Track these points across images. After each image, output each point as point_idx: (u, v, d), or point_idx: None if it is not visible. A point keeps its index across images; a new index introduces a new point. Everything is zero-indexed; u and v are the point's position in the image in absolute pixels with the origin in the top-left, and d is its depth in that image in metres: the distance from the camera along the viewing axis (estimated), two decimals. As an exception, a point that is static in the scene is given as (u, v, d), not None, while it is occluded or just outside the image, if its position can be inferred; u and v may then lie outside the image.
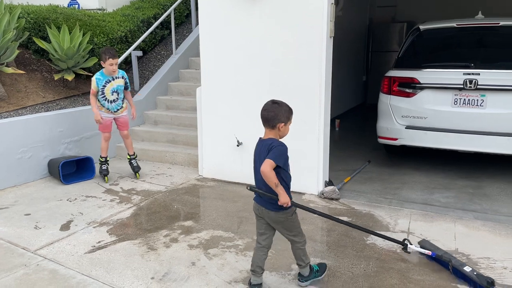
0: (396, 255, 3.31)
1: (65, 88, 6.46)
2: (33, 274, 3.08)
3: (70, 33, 6.39)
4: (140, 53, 7.11)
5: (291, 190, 4.67)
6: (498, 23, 4.78)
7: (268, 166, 2.52)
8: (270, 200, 2.67)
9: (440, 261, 3.10)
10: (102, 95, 4.96)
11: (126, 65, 7.37)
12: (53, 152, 5.44)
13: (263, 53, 4.65)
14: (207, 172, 5.31)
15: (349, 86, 9.45)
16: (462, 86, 4.59)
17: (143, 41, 7.42)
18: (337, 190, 4.56)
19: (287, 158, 2.67)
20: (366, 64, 10.45)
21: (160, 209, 4.31)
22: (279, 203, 2.62)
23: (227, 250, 3.44)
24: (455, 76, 4.63)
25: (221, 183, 5.09)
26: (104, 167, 5.18)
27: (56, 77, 6.21)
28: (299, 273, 2.94)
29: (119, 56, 6.83)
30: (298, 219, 2.80)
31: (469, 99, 4.63)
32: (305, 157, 4.61)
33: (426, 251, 3.17)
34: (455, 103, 4.71)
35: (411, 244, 3.25)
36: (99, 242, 3.59)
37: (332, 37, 4.43)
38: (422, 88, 4.88)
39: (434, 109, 4.82)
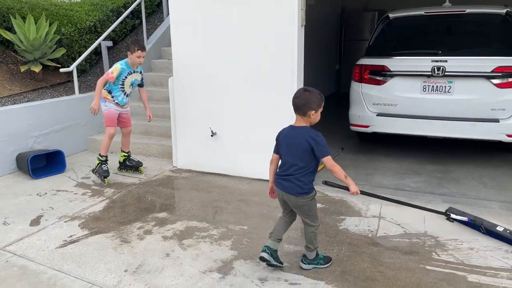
0: (368, 239, 3.39)
1: (32, 80, 6.27)
2: (2, 271, 3.01)
3: (36, 23, 6.19)
4: (110, 43, 6.95)
5: (267, 178, 4.69)
6: (465, 11, 4.89)
7: (331, 161, 2.67)
8: (291, 185, 2.76)
9: (474, 224, 3.40)
10: (121, 86, 4.67)
11: (96, 56, 7.20)
12: (22, 146, 5.28)
13: (235, 41, 4.62)
14: (181, 163, 5.27)
15: (322, 75, 9.51)
16: (430, 73, 4.69)
17: (113, 31, 7.26)
18: (311, 177, 4.61)
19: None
20: (339, 53, 10.53)
21: (134, 202, 4.26)
22: (350, 193, 2.80)
23: (202, 240, 3.44)
24: (424, 63, 4.72)
25: (196, 174, 5.06)
26: (104, 167, 4.74)
27: (23, 69, 6.01)
28: (303, 255, 2.99)
29: (87, 47, 6.68)
30: (316, 204, 2.89)
31: (437, 86, 4.74)
32: (279, 146, 4.63)
33: (464, 218, 3.43)
34: (424, 90, 4.81)
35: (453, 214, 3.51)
36: (70, 236, 3.53)
37: (304, 26, 4.43)
38: (392, 76, 4.96)
39: (403, 96, 4.91)
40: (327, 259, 3.02)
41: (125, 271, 2.99)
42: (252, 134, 4.72)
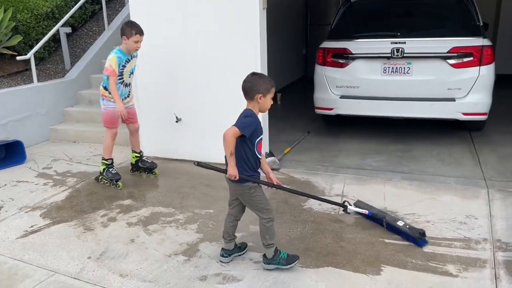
0: (330, 217, 3.48)
1: (-13, 69, 6.02)
2: (-41, 264, 2.93)
3: (-12, 9, 5.92)
4: (69, 29, 6.74)
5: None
6: (422, -7, 5.02)
7: (230, 131, 2.50)
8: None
9: (376, 218, 3.30)
10: (120, 78, 4.12)
11: (54, 43, 6.97)
12: (-22, 138, 5.10)
13: (197, 26, 4.57)
14: (147, 151, 5.18)
15: (289, 60, 9.55)
16: (390, 55, 4.80)
17: (72, 16, 7.02)
18: (277, 160, 4.66)
19: (254, 130, 2.58)
20: (305, 38, 10.59)
21: (97, 190, 4.20)
22: (226, 175, 2.64)
23: (167, 225, 3.44)
24: (383, 45, 4.83)
25: (162, 161, 5.02)
26: (113, 170, 4.28)
27: (-24, 57, 5.76)
28: (263, 254, 2.80)
29: (45, 34, 6.45)
30: (261, 195, 2.72)
31: (397, 67, 4.86)
32: (244, 130, 4.65)
33: (363, 211, 3.36)
34: (384, 71, 4.92)
35: (351, 205, 3.41)
36: (31, 226, 3.45)
37: (265, 9, 4.43)
38: (354, 58, 5.05)
39: (365, 78, 5.01)
40: (291, 259, 2.76)
41: (89, 258, 2.96)
42: (217, 118, 4.71)
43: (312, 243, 3.08)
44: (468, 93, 4.67)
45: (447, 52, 4.62)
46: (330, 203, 3.40)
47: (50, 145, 5.79)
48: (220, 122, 4.67)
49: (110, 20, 7.49)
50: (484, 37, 4.73)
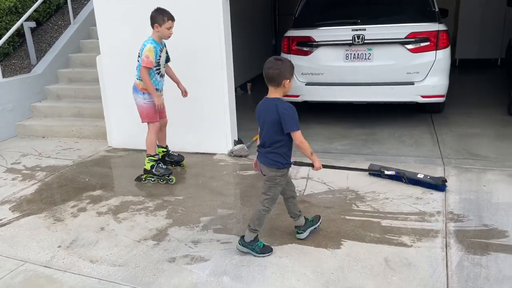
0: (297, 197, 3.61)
1: (-52, 66, 5.89)
2: None
3: None
4: (33, 24, 6.64)
5: (202, 151, 4.78)
6: (379, -19, 5.19)
7: (299, 137, 2.60)
8: (267, 159, 2.71)
9: (398, 176, 3.73)
10: (157, 68, 3.92)
11: (19, 38, 6.85)
12: None
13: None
14: (116, 143, 5.24)
15: (259, 50, 9.63)
16: (351, 41, 4.96)
17: (36, 11, 6.91)
18: (245, 148, 4.78)
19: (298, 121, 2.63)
20: (274, 28, 10.69)
21: (67, 183, 4.22)
22: (313, 169, 2.78)
23: (137, 212, 3.52)
24: (345, 32, 4.98)
25: (132, 152, 5.07)
26: (163, 165, 4.14)
27: None
28: (242, 235, 2.83)
29: (8, 29, 6.35)
30: (280, 187, 2.76)
31: (358, 54, 5.03)
32: (213, 119, 4.74)
33: (392, 172, 3.76)
34: (347, 58, 5.08)
35: (384, 171, 3.78)
36: (0, 220, 3.47)
37: (228, 0, 4.50)
38: (317, 46, 5.19)
39: (329, 65, 5.16)
40: (266, 249, 2.81)
41: (59, 247, 3.02)
42: (185, 109, 4.78)
43: (277, 223, 3.21)
44: (426, 76, 4.89)
45: (405, 38, 4.82)
46: (368, 171, 3.86)
47: (18, 141, 5.74)
48: (187, 112, 4.78)
49: (75, 14, 7.41)
50: (440, 22, 4.95)
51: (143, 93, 3.97)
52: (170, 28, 3.86)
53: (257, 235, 2.83)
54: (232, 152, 4.74)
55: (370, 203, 3.44)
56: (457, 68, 8.84)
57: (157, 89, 3.98)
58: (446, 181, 3.58)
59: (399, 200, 3.46)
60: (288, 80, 2.60)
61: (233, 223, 3.27)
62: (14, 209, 3.66)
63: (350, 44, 4.99)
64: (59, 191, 4.03)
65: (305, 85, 5.32)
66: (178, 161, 4.45)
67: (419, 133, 5.11)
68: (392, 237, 2.93)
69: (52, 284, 2.61)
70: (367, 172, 3.94)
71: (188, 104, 4.74)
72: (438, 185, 3.56)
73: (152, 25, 3.87)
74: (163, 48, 3.99)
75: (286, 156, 2.70)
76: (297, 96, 5.42)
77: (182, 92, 4.25)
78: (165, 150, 4.43)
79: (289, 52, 5.38)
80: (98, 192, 3.95)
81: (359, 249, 2.82)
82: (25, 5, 6.93)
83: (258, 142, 2.84)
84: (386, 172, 3.77)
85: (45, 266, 2.79)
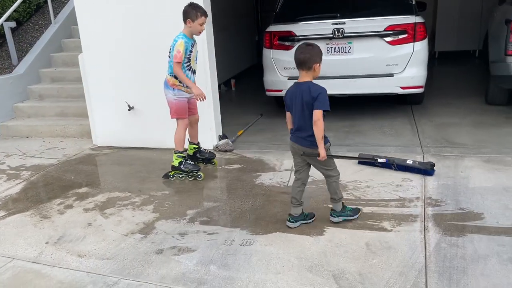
0: (280, 189, 3.70)
1: None
2: None
3: None
4: (13, 24, 6.59)
5: (187, 147, 4.75)
6: (358, -24, 5.29)
7: (319, 115, 2.72)
8: (306, 137, 2.87)
9: (388, 164, 3.85)
10: (188, 64, 3.87)
11: (-1, 38, 6.79)
12: None
13: (141, 15, 4.63)
14: (101, 141, 5.25)
15: (242, 47, 9.69)
16: (331, 35, 5.05)
17: (16, 11, 6.85)
18: (230, 142, 4.84)
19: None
20: (257, 25, 10.75)
21: (53, 181, 4.23)
22: (319, 159, 2.83)
23: (124, 208, 3.56)
24: (325, 26, 5.07)
25: (117, 150, 5.08)
26: (191, 162, 4.10)
27: None
28: (331, 209, 3.08)
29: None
30: (330, 158, 2.97)
31: (339, 47, 5.13)
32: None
33: (384, 160, 3.88)
34: (328, 51, 5.17)
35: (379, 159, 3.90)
36: (-14, 219, 3.48)
37: (210, -4, 4.56)
38: (299, 40, 5.24)
39: (310, 59, 5.24)
40: (356, 210, 3.09)
41: (46, 243, 3.05)
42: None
43: (262, 213, 3.29)
44: (405, 68, 5.01)
45: (384, 31, 4.93)
46: (363, 159, 3.98)
47: (1, 142, 5.70)
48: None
49: (56, 13, 7.36)
50: (417, 15, 5.07)
51: (173, 89, 3.93)
52: (202, 24, 3.82)
53: (343, 202, 3.06)
54: (217, 147, 4.80)
55: (352, 192, 3.54)
56: (437, 60, 9.03)
57: (187, 87, 3.92)
58: (434, 165, 3.73)
59: (380, 188, 3.57)
60: (318, 64, 2.80)
61: (219, 215, 3.34)
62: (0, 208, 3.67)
63: (330, 38, 5.08)
64: (45, 189, 4.04)
65: (288, 79, 5.39)
66: (209, 158, 4.41)
67: (399, 123, 5.24)
68: (373, 223, 3.03)
69: (41, 279, 2.64)
70: (357, 161, 4.06)
71: (172, 100, 4.79)
72: (427, 169, 3.71)
73: (185, 20, 3.82)
74: (194, 43, 3.94)
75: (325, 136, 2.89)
76: (280, 90, 5.49)
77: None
78: (196, 147, 4.37)
79: (271, 47, 5.45)
80: (84, 190, 3.97)
81: (341, 235, 2.91)
82: (5, 5, 6.87)
83: (290, 127, 3.02)
84: (379, 160, 3.89)
85: (33, 262, 2.82)
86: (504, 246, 2.64)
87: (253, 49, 10.70)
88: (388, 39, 4.97)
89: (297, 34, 5.23)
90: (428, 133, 4.83)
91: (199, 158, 4.38)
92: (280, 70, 5.43)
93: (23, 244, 3.04)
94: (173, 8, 4.49)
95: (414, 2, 5.21)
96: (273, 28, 5.45)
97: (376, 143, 4.64)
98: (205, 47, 4.55)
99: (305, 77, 2.82)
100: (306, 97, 2.77)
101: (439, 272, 2.45)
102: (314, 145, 2.86)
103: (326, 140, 2.92)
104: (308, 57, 2.76)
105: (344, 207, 3.07)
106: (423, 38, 5.03)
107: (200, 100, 3.86)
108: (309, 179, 3.81)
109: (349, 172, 3.93)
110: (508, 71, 4.88)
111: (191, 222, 3.24)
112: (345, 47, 5.11)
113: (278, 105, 6.40)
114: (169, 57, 3.89)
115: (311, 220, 3.12)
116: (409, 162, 3.84)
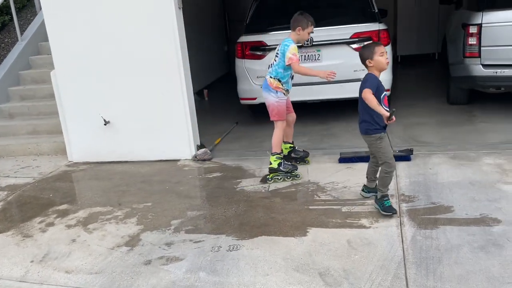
0: (261, 194, 3.81)
1: None
2: None
3: None
4: (-22, 42, 6.43)
5: (166, 158, 4.81)
6: (323, -14, 5.52)
7: (365, 93, 3.04)
8: (360, 125, 3.26)
9: (364, 158, 4.06)
10: (290, 69, 4.02)
11: (-37, 57, 6.62)
12: None
13: (114, 28, 4.66)
14: (77, 157, 5.21)
15: (212, 57, 9.78)
16: (300, 44, 5.22)
17: (-21, 29, 6.71)
18: (208, 151, 4.92)
19: (377, 88, 3.07)
20: (226, 34, 10.88)
21: (31, 200, 4.18)
22: (388, 122, 3.06)
23: (107, 222, 3.57)
24: (295, 36, 5.24)
25: (94, 165, 5.06)
26: (288, 162, 4.16)
27: None
28: (375, 188, 3.39)
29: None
30: (385, 146, 3.18)
31: (308, 55, 5.32)
32: (175, 126, 4.84)
33: (364, 155, 4.09)
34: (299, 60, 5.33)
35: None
36: (-35, 242, 3.41)
37: (181, 8, 4.64)
38: (270, 50, 5.41)
39: (282, 67, 5.40)
40: (389, 210, 3.16)
41: (31, 261, 3.03)
42: (146, 117, 4.86)
43: (246, 219, 3.38)
44: (372, 73, 5.23)
45: (350, 38, 5.16)
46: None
47: (-29, 163, 5.55)
48: (147, 120, 4.86)
49: (22, 31, 7.24)
50: (380, 22, 5.33)
51: (276, 91, 4.02)
52: (310, 32, 4.03)
53: (385, 195, 3.23)
54: (195, 157, 4.87)
55: (330, 193, 3.69)
56: (400, 64, 9.42)
57: (287, 90, 4.09)
58: (412, 150, 4.19)
59: (356, 188, 3.72)
60: (369, 59, 3.12)
61: (203, 223, 3.41)
62: (-22, 230, 3.60)
63: (300, 46, 5.24)
64: (24, 208, 3.99)
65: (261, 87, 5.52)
66: (304, 157, 4.43)
67: (369, 126, 5.46)
68: (352, 221, 3.18)
69: (30, 297, 2.64)
70: (335, 163, 4.32)
71: (149, 113, 4.84)
72: (408, 155, 4.13)
73: (295, 27, 3.99)
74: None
75: (374, 123, 3.16)
76: (254, 98, 5.63)
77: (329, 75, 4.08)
78: (291, 145, 4.41)
79: (243, 57, 5.59)
80: (64, 206, 3.95)
81: (323, 234, 3.04)
82: (-33, 23, 6.71)
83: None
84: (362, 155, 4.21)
85: (20, 281, 2.80)
86: (474, 235, 2.84)
87: (224, 59, 10.82)
88: (354, 46, 5.19)
89: (268, 44, 5.39)
90: (397, 133, 5.07)
91: (293, 157, 4.40)
92: (253, 79, 5.57)
93: (8, 263, 3.01)
94: (147, 23, 4.57)
95: (377, 10, 5.48)
96: (244, 38, 5.59)
97: (350, 145, 4.82)
98: (179, 56, 4.62)
99: (369, 71, 3.17)
100: (360, 87, 3.15)
101: (416, 263, 2.61)
102: (364, 132, 3.23)
103: (376, 129, 3.17)
104: (362, 52, 3.19)
105: (382, 198, 3.23)
106: (387, 44, 5.28)
107: (332, 78, 4.03)
108: (289, 183, 3.98)
109: (326, 174, 4.09)
110: (466, 72, 5.19)
111: (177, 231, 3.29)
112: (315, 54, 5.31)
113: (253, 113, 6.54)
114: (275, 60, 4.04)
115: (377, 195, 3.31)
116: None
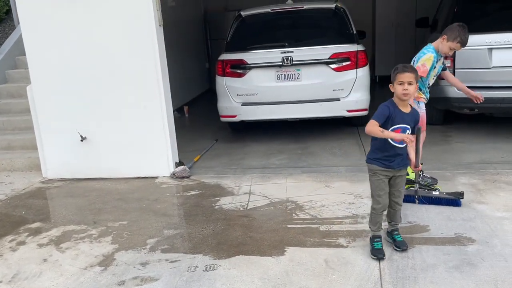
0: (240, 213, 3.78)
1: None
2: None
3: None
4: (-48, 55, 6.30)
5: (144, 175, 4.74)
6: (302, 7, 5.64)
7: (367, 126, 2.84)
8: None
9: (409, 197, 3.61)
10: (427, 79, 3.83)
11: None
12: None
13: (93, 45, 4.62)
14: (52, 173, 5.09)
15: (193, 74, 9.81)
16: (281, 63, 5.30)
17: (-46, 41, 6.57)
18: (187, 169, 4.87)
19: (384, 118, 2.82)
20: (207, 52, 10.94)
21: (2, 217, 4.05)
22: (401, 140, 2.78)
23: (80, 241, 3.47)
24: (275, 55, 5.32)
25: (69, 182, 4.95)
26: (428, 175, 4.02)
27: None
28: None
29: None
30: (376, 184, 2.91)
31: (288, 74, 5.39)
32: (153, 143, 4.79)
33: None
34: (278, 78, 5.42)
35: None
36: None
37: (162, 26, 4.65)
38: (250, 68, 5.47)
39: (262, 86, 5.47)
40: (377, 253, 2.89)
41: (0, 282, 2.91)
42: (124, 133, 4.80)
43: (224, 238, 3.34)
44: (350, 92, 5.35)
45: (329, 58, 5.26)
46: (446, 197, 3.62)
47: None
48: (126, 136, 4.80)
49: (-1, 44, 7.14)
50: (358, 43, 5.46)
51: (418, 102, 3.82)
52: (453, 49, 3.76)
53: (373, 236, 2.97)
54: (174, 174, 4.82)
55: (309, 211, 3.69)
56: (378, 84, 9.61)
57: (426, 99, 3.92)
58: (463, 194, 3.56)
59: (334, 206, 3.74)
60: (391, 84, 2.92)
61: (180, 242, 3.35)
62: None
63: (280, 66, 5.34)
64: (-7, 227, 3.86)
65: (241, 105, 5.57)
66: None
67: (347, 144, 5.53)
68: (330, 240, 3.18)
69: (-4, 320, 2.53)
70: (312, 181, 4.28)
71: (128, 129, 4.79)
72: (457, 199, 3.54)
73: (443, 34, 3.74)
74: (440, 58, 3.85)
75: (373, 152, 2.93)
76: (234, 116, 5.64)
77: (473, 99, 3.95)
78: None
79: (224, 74, 5.62)
80: (36, 224, 3.83)
81: (301, 253, 3.03)
82: None
83: None
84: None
85: (-14, 303, 2.69)
86: (449, 255, 2.87)
87: (205, 76, 10.85)
88: (333, 66, 5.30)
89: (248, 62, 5.44)
90: (375, 152, 5.13)
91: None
92: (233, 96, 5.59)
93: (-27, 285, 2.89)
94: (128, 40, 4.56)
95: (355, 32, 5.61)
96: (225, 56, 5.63)
97: (328, 164, 4.87)
98: (159, 72, 4.61)
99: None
100: None
101: (393, 283, 2.62)
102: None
103: (370, 158, 2.96)
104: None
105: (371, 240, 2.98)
106: (365, 65, 5.41)
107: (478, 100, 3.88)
108: (267, 201, 3.97)
109: (304, 192, 4.10)
110: (442, 93, 5.33)
111: (152, 251, 3.23)
112: (294, 74, 5.38)
113: (232, 130, 6.54)
114: None
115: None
116: (436, 193, 3.63)
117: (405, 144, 2.84)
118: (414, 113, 2.95)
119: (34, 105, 4.93)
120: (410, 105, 2.99)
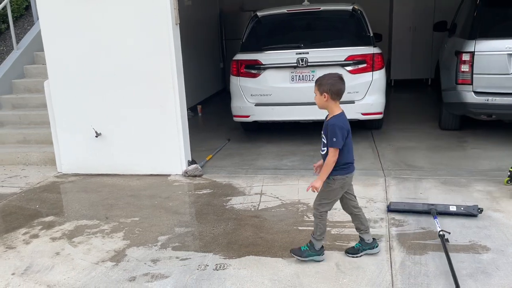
0: (251, 213, 3.77)
1: None
2: None
3: None
4: (-27, 49, 6.41)
5: (157, 173, 4.75)
6: (319, 8, 5.60)
7: (331, 155, 3.03)
8: None
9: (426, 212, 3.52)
10: None
11: (-43, 63, 6.58)
12: None
13: (110, 43, 4.67)
14: (67, 168, 5.14)
15: (208, 74, 9.84)
16: (296, 64, 5.28)
17: (-25, 36, 6.70)
18: (199, 167, 4.88)
19: (338, 134, 2.94)
20: (222, 52, 10.97)
21: (16, 210, 4.11)
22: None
23: (93, 236, 3.50)
24: (290, 56, 5.30)
25: (83, 177, 5.00)
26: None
27: None
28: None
29: None
30: (331, 195, 3.06)
31: (303, 75, 5.36)
32: (167, 141, 4.81)
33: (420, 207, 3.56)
34: (293, 79, 5.39)
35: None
36: None
37: (178, 25, 4.67)
38: (265, 69, 5.46)
39: (276, 86, 5.45)
40: (318, 252, 2.91)
41: (13, 274, 2.95)
42: (138, 131, 4.83)
43: (235, 237, 3.34)
44: (365, 95, 5.30)
45: (344, 60, 5.22)
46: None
47: (-43, 170, 5.46)
48: (140, 134, 4.84)
49: (18, 39, 7.24)
50: (375, 46, 5.41)
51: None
52: None
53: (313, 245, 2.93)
54: (186, 172, 4.83)
55: (320, 214, 3.65)
56: (393, 88, 9.52)
57: None
58: (482, 210, 3.46)
59: (346, 210, 3.71)
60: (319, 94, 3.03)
61: (190, 240, 3.36)
62: (-41, 240, 3.51)
63: (295, 67, 5.31)
64: (8, 219, 3.91)
65: (255, 105, 5.56)
66: None
67: (361, 147, 5.48)
68: (341, 243, 3.15)
69: (8, 311, 2.56)
70: None
71: (142, 126, 4.82)
72: (473, 214, 3.44)
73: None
74: None
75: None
76: (247, 116, 5.64)
77: None
78: None
79: (238, 74, 5.62)
80: (50, 218, 3.88)
81: (312, 256, 3.00)
82: (-37, 30, 6.70)
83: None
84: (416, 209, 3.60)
85: (-1, 294, 2.73)
86: (463, 262, 2.83)
87: (219, 76, 10.88)
88: (349, 68, 5.25)
89: (263, 63, 5.43)
90: (388, 156, 5.08)
91: None
92: (247, 96, 5.59)
93: (-13, 276, 2.93)
94: (144, 39, 4.58)
95: (372, 34, 5.56)
96: (240, 56, 5.63)
97: (341, 167, 4.82)
98: (174, 71, 4.63)
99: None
100: (326, 127, 3.12)
101: (405, 289, 2.58)
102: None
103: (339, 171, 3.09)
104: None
105: (309, 249, 2.93)
106: (381, 68, 5.36)
107: None
108: (279, 202, 3.95)
109: (315, 194, 4.06)
110: (458, 98, 5.26)
111: (163, 248, 3.24)
112: (309, 75, 5.35)
113: (245, 130, 6.54)
114: None
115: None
116: (453, 208, 3.52)
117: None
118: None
119: (51, 100, 4.99)
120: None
